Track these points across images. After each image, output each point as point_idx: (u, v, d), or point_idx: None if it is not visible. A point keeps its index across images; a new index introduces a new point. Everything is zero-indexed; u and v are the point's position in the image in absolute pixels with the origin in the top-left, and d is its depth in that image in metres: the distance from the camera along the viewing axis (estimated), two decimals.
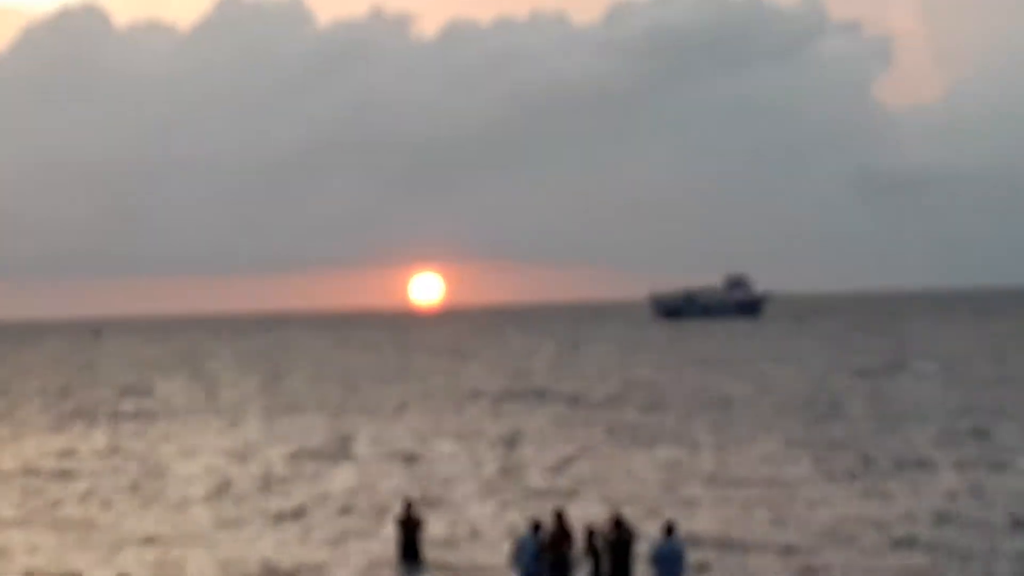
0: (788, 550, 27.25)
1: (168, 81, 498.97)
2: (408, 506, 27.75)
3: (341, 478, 39.67)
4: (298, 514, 33.42)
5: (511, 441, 47.59)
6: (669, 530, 23.53)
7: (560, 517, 24.53)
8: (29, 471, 43.59)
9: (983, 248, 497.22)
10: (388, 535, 28.66)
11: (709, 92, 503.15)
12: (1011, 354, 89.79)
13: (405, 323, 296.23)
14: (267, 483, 39.28)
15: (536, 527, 24.40)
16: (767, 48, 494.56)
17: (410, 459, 43.44)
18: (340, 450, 46.85)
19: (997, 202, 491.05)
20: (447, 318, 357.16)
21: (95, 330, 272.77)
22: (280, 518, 33.08)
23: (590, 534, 24.67)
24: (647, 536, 25.37)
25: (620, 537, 24.14)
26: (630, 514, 26.56)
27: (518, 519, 30.11)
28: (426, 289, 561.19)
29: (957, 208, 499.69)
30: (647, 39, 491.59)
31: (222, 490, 38.00)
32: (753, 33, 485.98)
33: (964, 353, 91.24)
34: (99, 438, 54.12)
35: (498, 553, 26.83)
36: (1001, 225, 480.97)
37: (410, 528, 27.38)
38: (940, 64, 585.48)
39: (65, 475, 42.54)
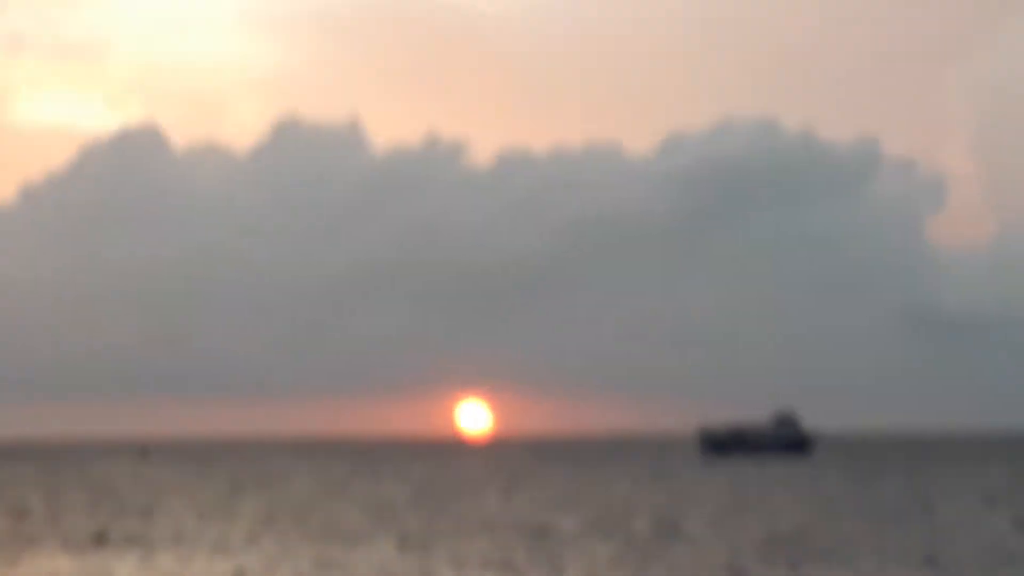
0: None
1: (223, 204, 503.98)
2: None
3: None
4: None
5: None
6: None
7: None
8: None
9: None
10: None
11: (761, 226, 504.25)
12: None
13: (450, 451, 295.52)
14: None
15: None
16: (820, 183, 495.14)
17: None
18: None
19: None
20: (493, 447, 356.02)
21: (142, 450, 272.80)
22: None
23: None
24: None
25: None
26: None
27: None
28: (473, 417, 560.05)
29: (1006, 351, 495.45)
30: (701, 171, 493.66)
31: None
32: (806, 168, 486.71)
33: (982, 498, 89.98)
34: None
35: None
36: None
37: None
38: (992, 205, 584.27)
39: None
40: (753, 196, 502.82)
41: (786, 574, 49.21)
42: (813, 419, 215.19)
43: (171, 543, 63.45)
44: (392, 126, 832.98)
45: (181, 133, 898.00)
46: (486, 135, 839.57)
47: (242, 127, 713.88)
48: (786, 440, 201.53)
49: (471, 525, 73.26)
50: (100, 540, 65.61)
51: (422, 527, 72.44)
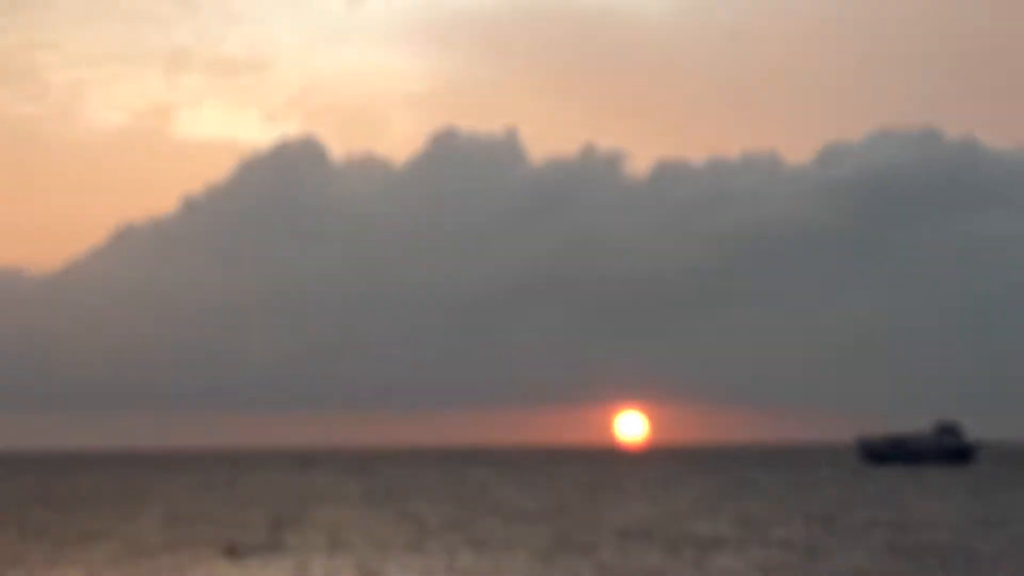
0: None
1: (381, 216, 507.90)
2: None
3: None
4: None
5: None
6: None
7: None
8: None
9: None
10: None
11: (922, 234, 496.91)
12: None
13: (607, 460, 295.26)
14: None
15: None
16: (983, 191, 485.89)
17: None
18: None
19: None
20: (651, 457, 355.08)
21: (302, 462, 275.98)
22: None
23: None
24: None
25: None
26: None
27: None
28: (630, 427, 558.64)
29: None
30: (860, 180, 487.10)
31: None
32: (969, 176, 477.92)
33: None
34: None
35: None
36: None
37: None
38: None
39: None
40: (914, 205, 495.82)
41: None
42: (978, 430, 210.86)
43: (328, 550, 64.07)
44: (549, 137, 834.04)
45: (339, 146, 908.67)
46: (643, 146, 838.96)
47: (400, 139, 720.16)
48: (947, 450, 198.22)
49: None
50: (276, 543, 66.44)
51: (574, 531, 72.63)
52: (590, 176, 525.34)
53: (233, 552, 61.17)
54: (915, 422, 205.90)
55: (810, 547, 61.71)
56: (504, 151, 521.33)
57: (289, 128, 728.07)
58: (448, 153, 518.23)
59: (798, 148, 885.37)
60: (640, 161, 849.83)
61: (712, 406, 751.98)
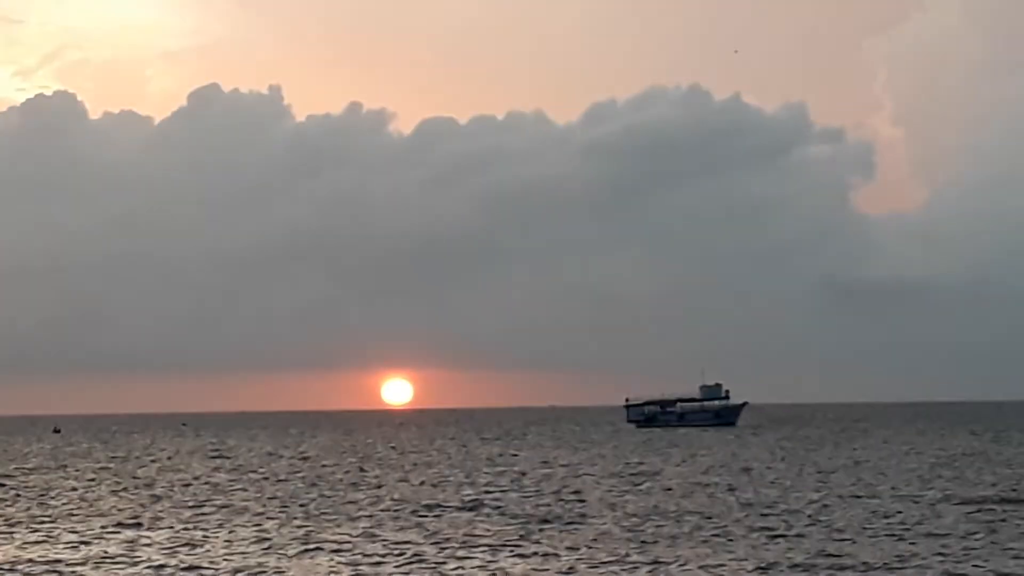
0: None
1: (140, 173, 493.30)
2: None
3: None
4: None
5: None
6: None
7: None
8: None
9: (958, 358, 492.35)
10: None
11: (687, 195, 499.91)
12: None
13: (371, 422, 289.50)
14: None
15: None
16: (748, 152, 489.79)
17: None
18: None
19: (972, 310, 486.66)
20: (415, 419, 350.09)
21: (56, 428, 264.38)
22: None
23: None
24: None
25: None
26: None
27: None
28: (396, 393, 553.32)
29: (932, 316, 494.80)
30: (626, 139, 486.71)
31: None
32: (734, 137, 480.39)
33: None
34: None
35: None
36: (975, 334, 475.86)
37: None
38: (919, 173, 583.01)
39: None
40: (678, 165, 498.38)
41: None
42: (741, 390, 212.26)
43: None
44: (315, 97, 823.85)
45: (98, 104, 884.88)
46: (410, 106, 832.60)
47: (161, 97, 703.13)
48: (715, 411, 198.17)
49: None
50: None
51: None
52: (355, 134, 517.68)
53: None
54: (680, 385, 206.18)
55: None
56: (268, 109, 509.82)
57: (44, 85, 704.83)
58: (210, 111, 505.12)
59: (564, 107, 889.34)
60: (407, 121, 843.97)
61: (479, 370, 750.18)
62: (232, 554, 45.25)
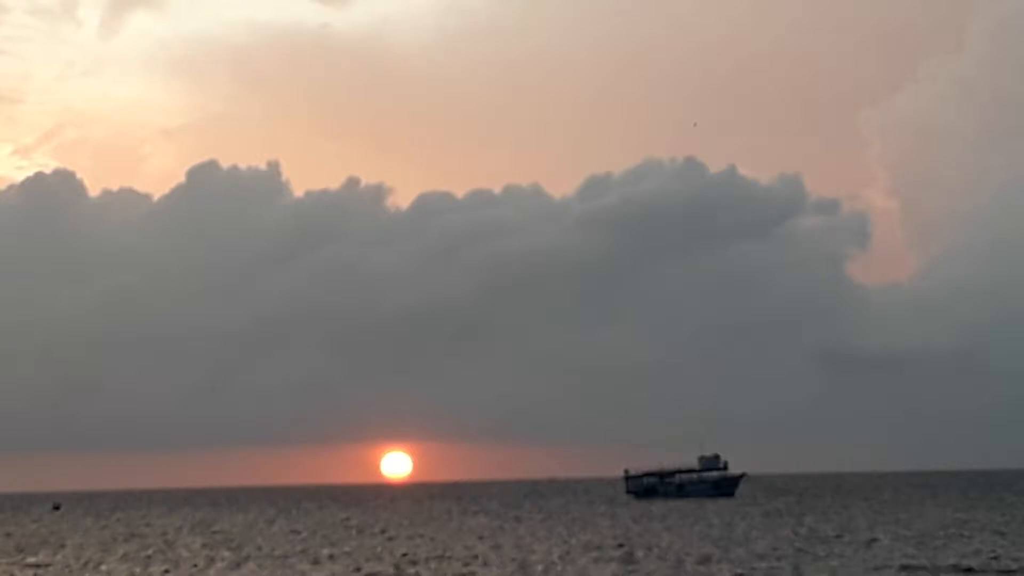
0: None
1: (137, 251, 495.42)
2: None
3: None
4: None
5: None
6: None
7: None
8: None
9: (953, 426, 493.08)
10: None
11: (683, 266, 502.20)
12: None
13: (370, 496, 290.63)
14: None
15: None
16: (743, 223, 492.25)
17: None
18: None
19: (966, 378, 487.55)
20: (414, 493, 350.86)
21: (55, 504, 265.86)
22: None
23: None
24: None
25: None
26: None
27: None
28: (395, 466, 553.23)
29: (926, 384, 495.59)
30: (622, 211, 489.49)
31: None
32: (729, 208, 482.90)
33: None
34: None
35: None
36: (969, 401, 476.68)
37: None
38: (913, 242, 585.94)
39: None
40: (673, 237, 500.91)
41: None
42: (740, 461, 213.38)
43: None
44: (312, 172, 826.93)
45: (96, 181, 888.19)
46: (406, 180, 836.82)
47: (159, 174, 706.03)
48: (713, 482, 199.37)
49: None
50: None
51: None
52: (353, 209, 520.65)
53: None
54: (678, 456, 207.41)
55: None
56: (266, 185, 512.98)
57: (43, 163, 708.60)
58: (208, 187, 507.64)
59: (560, 181, 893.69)
60: (403, 195, 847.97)
61: (478, 443, 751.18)
62: None
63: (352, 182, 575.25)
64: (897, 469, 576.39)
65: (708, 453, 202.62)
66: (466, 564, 74.53)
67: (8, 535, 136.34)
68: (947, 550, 77.14)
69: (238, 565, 77.65)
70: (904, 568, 64.19)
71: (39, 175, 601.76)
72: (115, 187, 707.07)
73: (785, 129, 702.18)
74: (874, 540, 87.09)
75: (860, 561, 69.28)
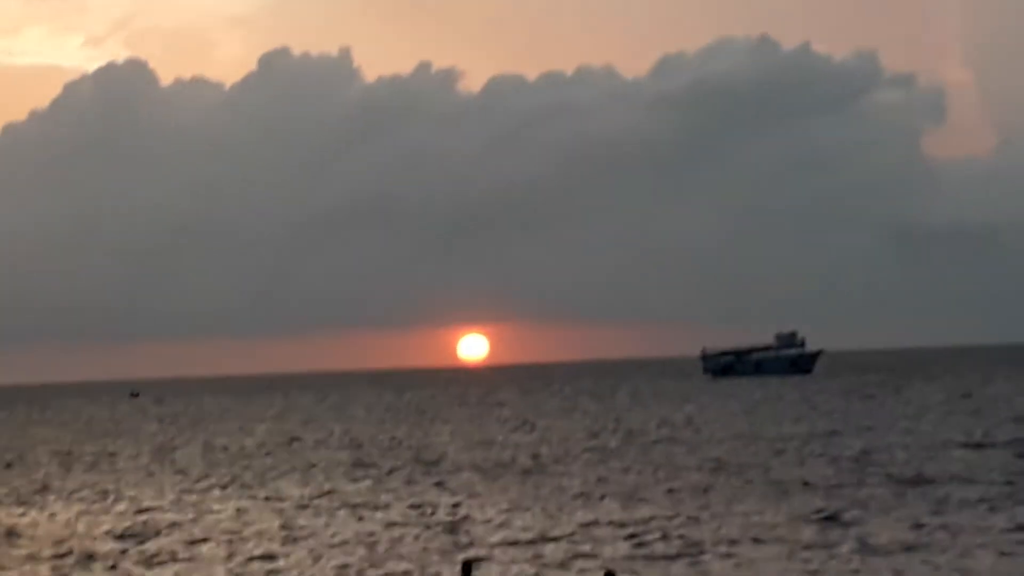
0: None
1: (210, 140, 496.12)
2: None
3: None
4: None
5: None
6: None
7: None
8: None
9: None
10: None
11: (757, 145, 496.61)
12: None
13: (449, 380, 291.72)
14: None
15: None
16: (817, 101, 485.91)
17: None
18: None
19: None
20: (492, 375, 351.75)
21: (133, 392, 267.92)
22: None
23: None
24: None
25: None
26: None
27: None
28: (471, 348, 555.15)
29: (1003, 259, 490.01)
30: (695, 92, 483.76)
31: None
32: (804, 86, 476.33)
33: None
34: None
35: None
36: None
37: None
38: (990, 116, 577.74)
39: None
40: (747, 116, 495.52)
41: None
42: (815, 338, 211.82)
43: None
44: (384, 58, 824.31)
45: (167, 70, 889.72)
46: (478, 64, 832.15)
47: (230, 62, 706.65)
48: (790, 360, 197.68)
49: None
50: None
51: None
52: (424, 94, 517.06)
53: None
54: (755, 336, 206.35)
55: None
56: (338, 71, 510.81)
57: (115, 53, 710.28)
58: (280, 75, 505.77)
59: (633, 60, 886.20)
60: (475, 79, 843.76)
61: (553, 324, 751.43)
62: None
63: (423, 67, 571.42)
64: (974, 343, 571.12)
65: (785, 331, 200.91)
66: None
67: (88, 421, 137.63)
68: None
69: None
70: (963, 446, 62.60)
71: (111, 65, 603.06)
72: (187, 76, 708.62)
73: (860, 3, 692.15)
74: (949, 414, 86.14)
75: (928, 436, 68.18)
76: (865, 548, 33.68)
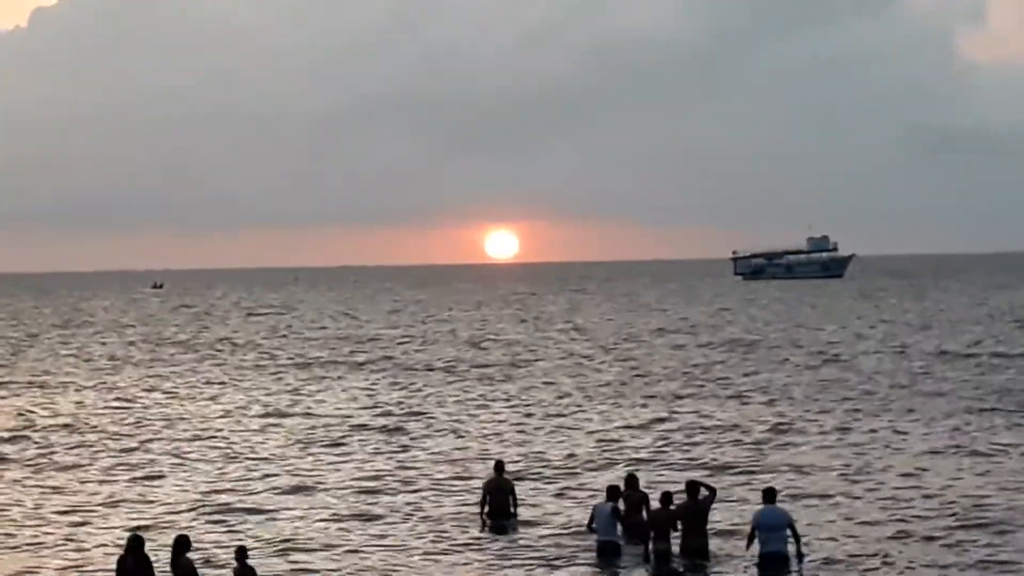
0: None
1: (237, 32, 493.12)
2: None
3: None
4: None
5: None
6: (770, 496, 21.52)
7: (633, 481, 23.69)
8: None
9: None
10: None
11: (792, 46, 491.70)
12: None
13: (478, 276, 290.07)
14: None
15: (613, 493, 23.01)
16: (854, 1, 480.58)
17: None
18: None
19: None
20: (520, 273, 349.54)
21: (156, 283, 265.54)
22: None
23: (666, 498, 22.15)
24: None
25: (698, 504, 21.85)
26: None
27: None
28: (500, 246, 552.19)
29: None
30: None
31: None
32: None
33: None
34: None
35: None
36: None
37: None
38: None
39: None
40: (784, 18, 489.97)
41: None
42: (847, 243, 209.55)
43: None
44: None
45: None
46: None
47: None
48: (822, 263, 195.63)
49: None
50: None
51: None
52: None
53: None
54: (787, 238, 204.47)
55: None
56: None
57: None
58: None
59: None
60: None
61: (581, 223, 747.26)
62: None
63: None
64: (1005, 250, 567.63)
65: (816, 234, 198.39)
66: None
67: (105, 309, 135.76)
68: None
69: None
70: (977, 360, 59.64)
71: None
72: None
73: None
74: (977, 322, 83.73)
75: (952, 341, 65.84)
76: None
